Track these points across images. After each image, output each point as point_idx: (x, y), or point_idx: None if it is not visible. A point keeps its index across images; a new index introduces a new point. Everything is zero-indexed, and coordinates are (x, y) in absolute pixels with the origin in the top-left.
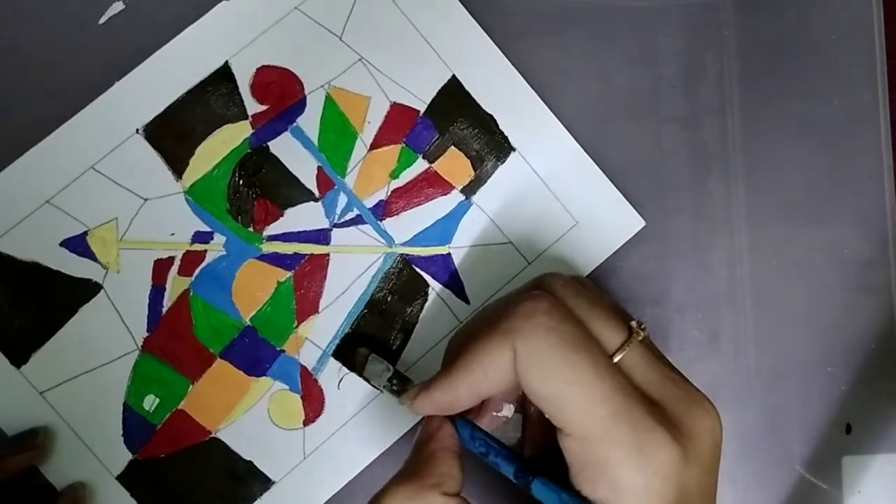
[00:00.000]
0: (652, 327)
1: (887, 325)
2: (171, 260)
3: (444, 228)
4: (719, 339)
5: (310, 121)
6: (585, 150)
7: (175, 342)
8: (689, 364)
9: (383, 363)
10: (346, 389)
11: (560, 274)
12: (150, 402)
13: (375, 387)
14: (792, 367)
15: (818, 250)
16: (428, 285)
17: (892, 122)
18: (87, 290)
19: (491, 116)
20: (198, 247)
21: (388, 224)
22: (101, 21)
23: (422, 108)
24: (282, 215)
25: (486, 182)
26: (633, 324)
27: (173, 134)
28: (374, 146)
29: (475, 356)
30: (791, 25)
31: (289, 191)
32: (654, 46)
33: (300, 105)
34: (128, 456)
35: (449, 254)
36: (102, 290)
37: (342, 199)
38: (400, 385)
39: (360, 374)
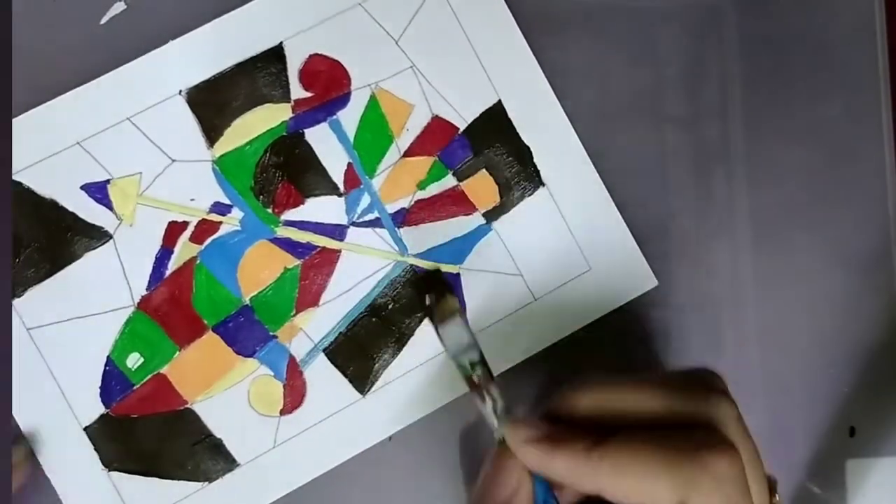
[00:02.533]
0: (654, 329)
1: (891, 327)
2: (185, 224)
3: (459, 248)
4: (721, 342)
5: (350, 117)
6: (587, 151)
7: (171, 306)
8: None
9: (468, 332)
10: (329, 389)
11: (732, 402)
12: (133, 360)
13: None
14: (795, 369)
15: (821, 251)
16: None
17: (894, 123)
18: (97, 237)
19: (528, 148)
20: (214, 217)
21: (405, 233)
22: (103, 21)
23: (462, 126)
24: (303, 203)
25: (509, 211)
26: (777, 498)
27: (214, 102)
28: (407, 154)
29: (634, 470)
30: (793, 26)
31: (315, 180)
32: (656, 47)
33: (344, 99)
34: (100, 409)
35: (458, 274)
36: (112, 241)
37: (365, 199)
38: (481, 372)
39: (434, 325)
